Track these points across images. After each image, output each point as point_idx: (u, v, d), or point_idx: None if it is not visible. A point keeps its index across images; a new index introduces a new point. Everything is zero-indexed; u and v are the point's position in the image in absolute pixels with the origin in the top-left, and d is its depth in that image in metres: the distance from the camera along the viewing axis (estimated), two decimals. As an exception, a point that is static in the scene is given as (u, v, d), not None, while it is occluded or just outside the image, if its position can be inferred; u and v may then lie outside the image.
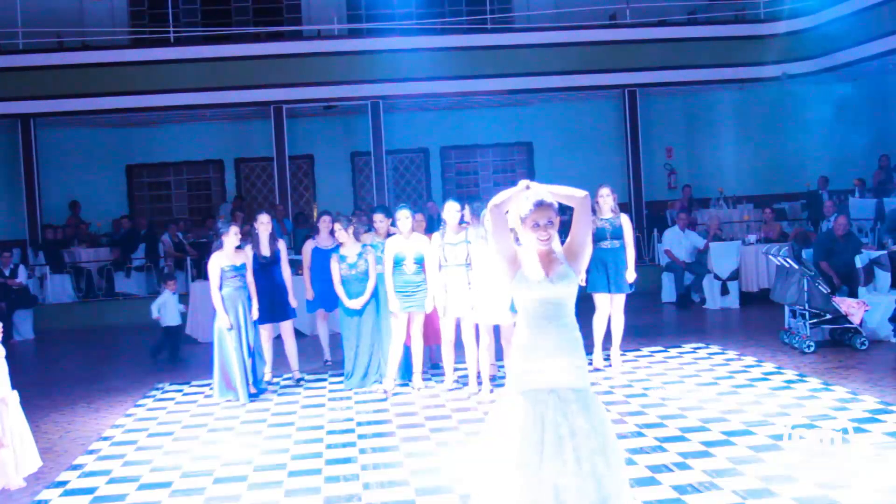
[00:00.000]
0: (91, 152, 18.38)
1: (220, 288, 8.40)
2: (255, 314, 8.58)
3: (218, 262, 8.44)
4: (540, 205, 3.87)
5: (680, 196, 17.91)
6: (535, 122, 19.11)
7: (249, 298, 8.51)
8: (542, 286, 3.85)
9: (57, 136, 17.89)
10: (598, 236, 8.85)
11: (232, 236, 8.44)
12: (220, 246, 8.50)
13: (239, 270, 8.46)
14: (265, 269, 8.94)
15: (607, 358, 9.11)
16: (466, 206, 8.31)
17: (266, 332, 9.08)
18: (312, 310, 10.02)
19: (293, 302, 9.16)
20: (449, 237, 8.22)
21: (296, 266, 11.06)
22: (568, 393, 3.82)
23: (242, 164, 19.35)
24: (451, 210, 8.23)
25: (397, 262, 8.34)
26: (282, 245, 9.17)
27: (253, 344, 8.52)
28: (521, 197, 3.92)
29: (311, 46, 17.34)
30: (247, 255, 8.71)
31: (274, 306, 8.96)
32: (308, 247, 9.99)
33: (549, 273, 3.87)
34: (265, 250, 9.00)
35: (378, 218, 9.22)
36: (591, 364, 8.94)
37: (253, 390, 8.52)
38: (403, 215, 8.40)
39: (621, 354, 9.23)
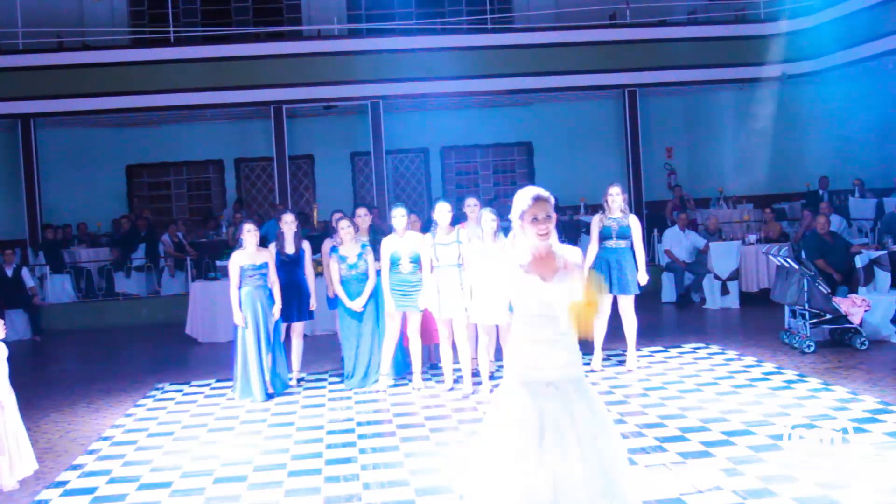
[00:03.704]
0: (91, 152, 18.39)
1: (240, 287, 8.41)
2: (277, 314, 8.59)
3: (238, 261, 8.45)
4: (538, 199, 3.95)
5: (671, 197, 17.89)
6: (535, 122, 19.10)
7: (270, 297, 8.52)
8: (539, 287, 3.89)
9: (57, 136, 17.90)
10: (603, 235, 8.74)
11: (247, 234, 8.44)
12: (241, 245, 8.52)
13: (259, 269, 8.46)
14: (286, 268, 8.93)
15: (607, 359, 9.07)
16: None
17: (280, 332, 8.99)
18: (334, 307, 9.95)
19: (313, 304, 9.15)
20: (440, 237, 8.22)
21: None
22: (565, 384, 3.89)
23: (242, 164, 19.35)
24: (442, 210, 8.23)
25: (393, 262, 8.34)
26: (306, 245, 9.14)
27: (273, 343, 8.53)
28: (519, 194, 4.00)
29: (311, 46, 17.33)
30: (270, 253, 8.72)
31: (291, 306, 8.94)
32: (327, 246, 9.94)
33: (545, 278, 3.91)
34: (290, 248, 9.00)
35: (360, 212, 9.23)
36: (588, 365, 8.88)
37: (271, 390, 8.53)
38: (398, 213, 8.40)
39: (638, 353, 9.15)
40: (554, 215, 3.97)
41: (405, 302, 8.36)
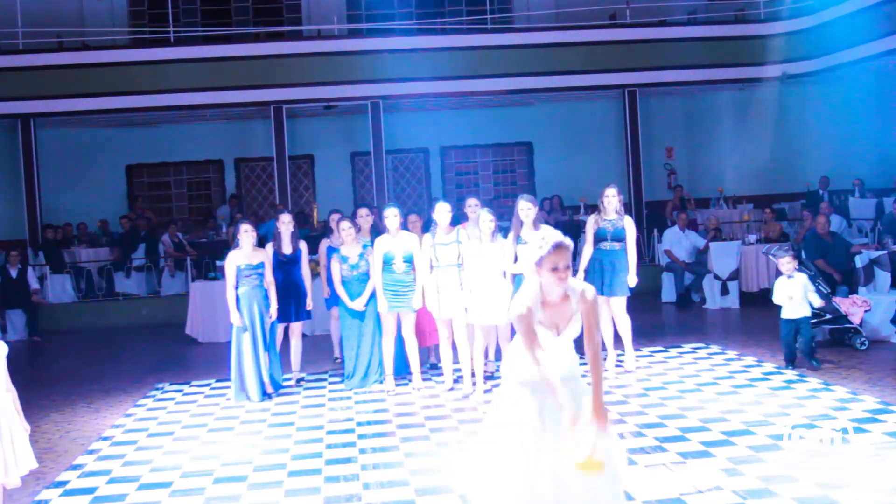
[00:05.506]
0: (91, 152, 18.37)
1: (237, 287, 8.40)
2: (274, 314, 8.57)
3: (234, 261, 8.44)
4: (558, 246, 3.90)
5: (671, 197, 17.88)
6: (535, 122, 19.10)
7: (266, 297, 8.51)
8: (551, 339, 3.97)
9: (57, 136, 17.88)
10: (598, 237, 8.71)
11: (244, 235, 8.43)
12: (238, 245, 8.51)
13: (256, 269, 8.45)
14: (283, 268, 8.93)
15: (619, 364, 8.95)
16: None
17: (278, 332, 8.97)
18: (330, 306, 9.97)
19: (310, 304, 9.14)
20: (440, 237, 8.22)
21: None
22: (566, 381, 3.96)
23: (242, 164, 19.34)
24: (441, 211, 8.23)
25: (386, 261, 8.33)
26: (303, 245, 9.13)
27: (269, 343, 8.52)
28: (536, 245, 3.97)
29: (311, 46, 17.32)
30: (266, 253, 8.71)
31: (289, 306, 8.94)
32: (323, 246, 9.94)
33: (559, 330, 3.97)
34: (287, 248, 9.00)
35: (362, 213, 9.21)
36: (621, 366, 8.85)
37: (270, 390, 8.53)
38: (392, 213, 8.39)
39: (637, 354, 9.13)
40: (571, 262, 3.97)
41: (397, 302, 8.35)
